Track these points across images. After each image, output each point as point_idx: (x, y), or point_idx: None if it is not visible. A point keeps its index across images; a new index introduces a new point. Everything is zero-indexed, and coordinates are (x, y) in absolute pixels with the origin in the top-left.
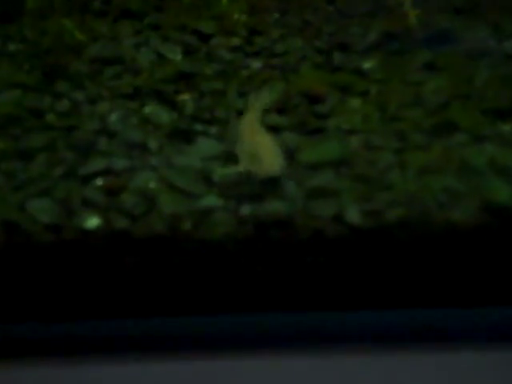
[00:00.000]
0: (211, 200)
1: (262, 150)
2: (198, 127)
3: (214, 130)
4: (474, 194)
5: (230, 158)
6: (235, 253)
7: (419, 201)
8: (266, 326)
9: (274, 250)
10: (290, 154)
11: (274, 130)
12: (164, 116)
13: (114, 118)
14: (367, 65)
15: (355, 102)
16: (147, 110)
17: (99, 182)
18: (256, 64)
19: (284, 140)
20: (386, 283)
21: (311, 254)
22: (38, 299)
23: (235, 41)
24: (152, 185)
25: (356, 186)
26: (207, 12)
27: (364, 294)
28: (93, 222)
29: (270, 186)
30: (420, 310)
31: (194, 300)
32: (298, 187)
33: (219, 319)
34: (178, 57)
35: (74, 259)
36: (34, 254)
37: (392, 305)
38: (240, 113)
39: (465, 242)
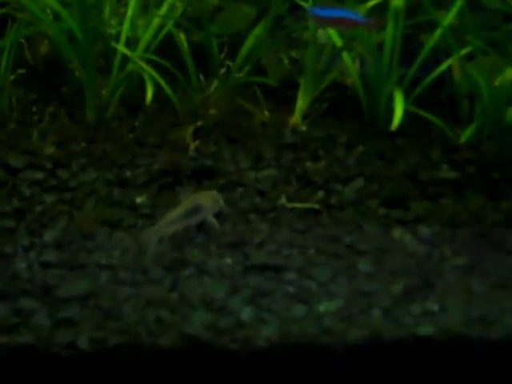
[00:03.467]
0: None
1: None
2: None
3: None
4: (181, 324)
5: (4, 294)
6: None
7: (137, 329)
8: None
9: (22, 373)
10: (48, 290)
11: (46, 266)
12: None
13: None
14: (139, 199)
15: (120, 236)
16: None
17: None
18: (50, 199)
19: (48, 276)
20: None
21: (52, 375)
22: None
23: (39, 175)
24: None
25: (94, 316)
26: (22, 144)
27: None
28: None
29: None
30: None
31: None
32: (48, 318)
33: None
34: None
35: None
36: None
37: None
38: (26, 249)
39: (170, 364)
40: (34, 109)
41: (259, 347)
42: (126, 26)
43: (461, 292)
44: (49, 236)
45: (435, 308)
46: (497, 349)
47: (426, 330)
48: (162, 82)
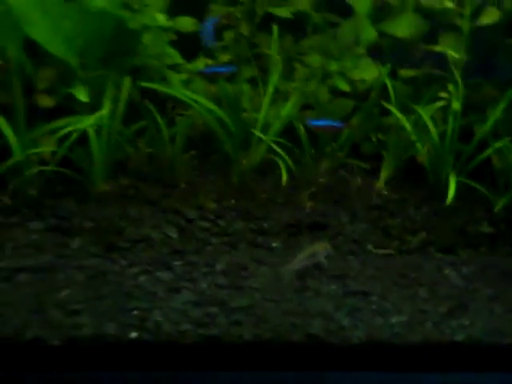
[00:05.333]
0: None
1: None
2: (185, 283)
3: (191, 285)
4: (306, 326)
5: (198, 303)
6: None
7: (279, 329)
8: None
9: (213, 354)
10: (223, 302)
11: (220, 287)
12: (165, 276)
13: (142, 279)
14: (275, 244)
15: (265, 269)
16: (159, 274)
17: None
18: (216, 241)
19: (222, 293)
20: None
21: (230, 356)
22: None
23: (206, 224)
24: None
25: (253, 320)
26: (194, 201)
27: None
28: None
29: None
30: None
31: None
32: (226, 319)
33: None
34: (175, 235)
35: None
36: None
37: None
38: (205, 275)
39: (298, 353)
40: (196, 172)
41: (354, 343)
42: (261, 114)
43: (486, 313)
44: (219, 266)
45: (467, 323)
46: (507, 352)
47: (459, 337)
48: (287, 158)
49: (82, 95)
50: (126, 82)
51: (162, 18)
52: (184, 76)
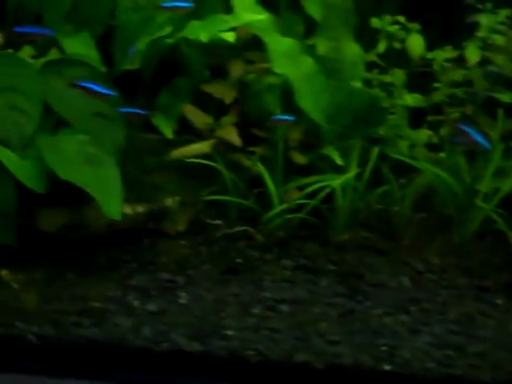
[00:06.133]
0: None
1: None
2: (422, 327)
3: (427, 328)
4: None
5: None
6: None
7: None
8: None
9: None
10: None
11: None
12: (404, 319)
13: (385, 319)
14: (498, 301)
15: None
16: (399, 316)
17: None
18: (444, 292)
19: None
20: None
21: None
22: None
23: (433, 277)
24: None
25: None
26: (420, 255)
27: None
28: None
29: None
30: None
31: None
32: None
33: None
34: (408, 284)
35: None
36: None
37: None
38: (438, 321)
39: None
40: (420, 229)
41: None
42: (483, 185)
43: None
44: (450, 315)
45: None
46: None
47: None
48: (505, 226)
49: (337, 158)
50: (374, 150)
51: (409, 98)
52: (407, 143)
